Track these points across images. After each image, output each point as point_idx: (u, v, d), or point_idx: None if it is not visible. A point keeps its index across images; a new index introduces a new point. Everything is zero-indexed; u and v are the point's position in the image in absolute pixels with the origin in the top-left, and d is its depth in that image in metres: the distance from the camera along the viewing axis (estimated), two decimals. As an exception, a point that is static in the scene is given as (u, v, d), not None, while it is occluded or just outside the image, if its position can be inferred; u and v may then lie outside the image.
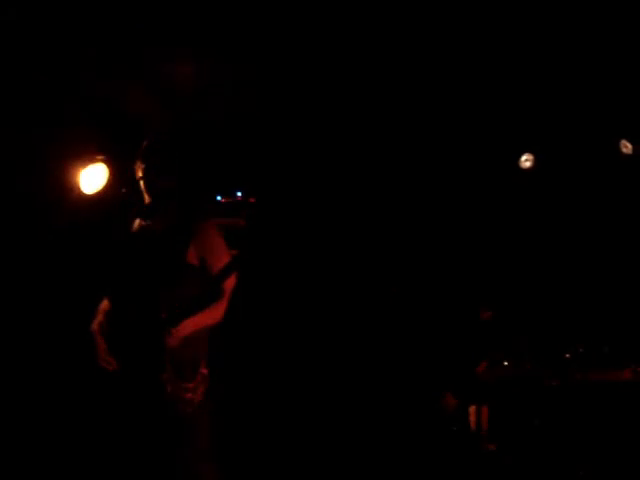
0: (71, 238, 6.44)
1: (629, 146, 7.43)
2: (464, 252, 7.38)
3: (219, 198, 7.32)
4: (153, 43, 6.15)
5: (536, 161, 7.54)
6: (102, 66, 6.13)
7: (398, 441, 6.43)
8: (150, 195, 4.95)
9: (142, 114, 6.32)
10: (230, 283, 4.89)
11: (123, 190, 5.66)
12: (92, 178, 6.37)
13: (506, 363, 6.75)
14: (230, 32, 6.39)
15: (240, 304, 4.94)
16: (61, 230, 6.38)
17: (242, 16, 6.31)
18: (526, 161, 7.62)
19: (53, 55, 6.04)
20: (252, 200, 7.45)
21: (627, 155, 7.41)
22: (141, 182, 4.97)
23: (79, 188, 6.30)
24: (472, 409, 6.62)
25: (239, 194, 7.41)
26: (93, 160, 6.28)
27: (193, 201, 5.09)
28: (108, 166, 6.34)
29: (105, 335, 4.86)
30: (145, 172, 4.95)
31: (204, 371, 4.81)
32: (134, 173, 5.05)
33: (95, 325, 4.91)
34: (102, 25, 6.00)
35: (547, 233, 7.51)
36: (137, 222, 5.06)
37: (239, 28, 6.38)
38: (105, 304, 5.03)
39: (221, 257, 4.90)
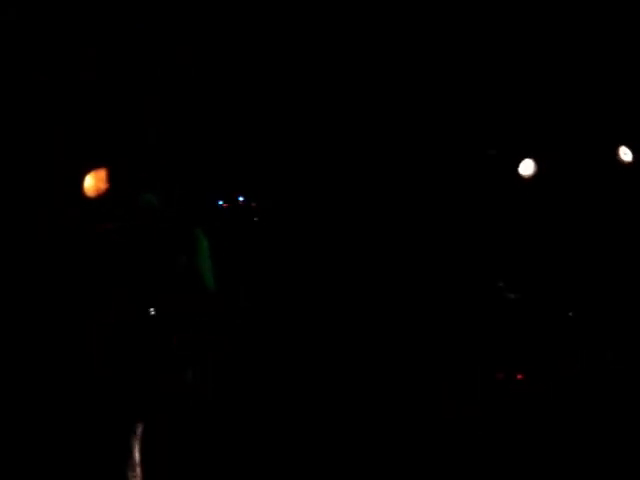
0: (73, 242, 6.44)
1: (629, 153, 7.46)
2: (462, 262, 7.42)
3: (221, 203, 7.36)
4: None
5: (537, 168, 7.55)
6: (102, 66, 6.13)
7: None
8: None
9: (141, 114, 6.33)
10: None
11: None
12: (96, 182, 6.40)
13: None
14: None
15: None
16: (62, 233, 6.38)
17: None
18: (527, 168, 7.64)
19: (53, 55, 6.02)
20: (254, 205, 7.50)
21: (626, 162, 7.45)
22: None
23: (83, 191, 6.32)
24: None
25: (241, 199, 7.45)
26: (97, 164, 6.29)
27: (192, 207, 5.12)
28: (111, 170, 6.35)
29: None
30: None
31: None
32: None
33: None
34: (102, 25, 5.99)
35: (547, 239, 7.53)
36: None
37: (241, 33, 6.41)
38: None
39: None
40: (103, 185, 6.42)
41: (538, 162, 7.50)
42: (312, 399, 6.70)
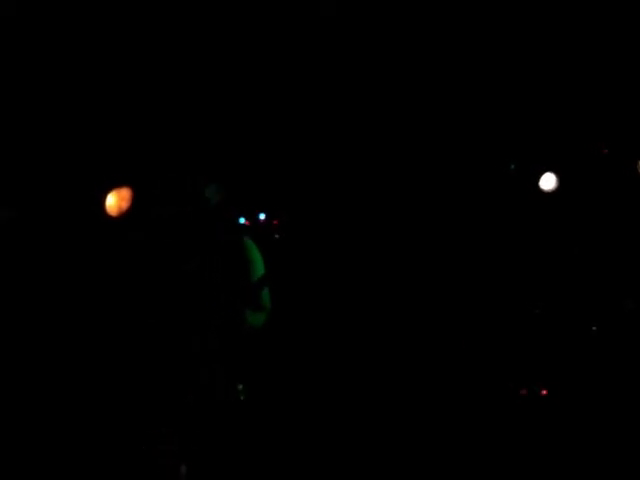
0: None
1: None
2: (480, 276, 7.43)
3: (242, 221, 7.43)
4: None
5: (558, 182, 7.54)
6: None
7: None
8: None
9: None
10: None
11: None
12: (118, 201, 6.50)
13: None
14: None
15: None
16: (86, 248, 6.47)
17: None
18: (547, 182, 7.63)
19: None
20: (276, 222, 7.56)
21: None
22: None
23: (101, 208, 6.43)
24: None
25: (262, 216, 7.52)
26: (116, 180, 6.39)
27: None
28: (132, 188, 6.44)
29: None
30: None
31: None
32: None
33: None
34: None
35: (566, 253, 7.52)
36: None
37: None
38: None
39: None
40: (125, 204, 6.53)
41: (559, 176, 7.49)
42: (321, 403, 6.73)
